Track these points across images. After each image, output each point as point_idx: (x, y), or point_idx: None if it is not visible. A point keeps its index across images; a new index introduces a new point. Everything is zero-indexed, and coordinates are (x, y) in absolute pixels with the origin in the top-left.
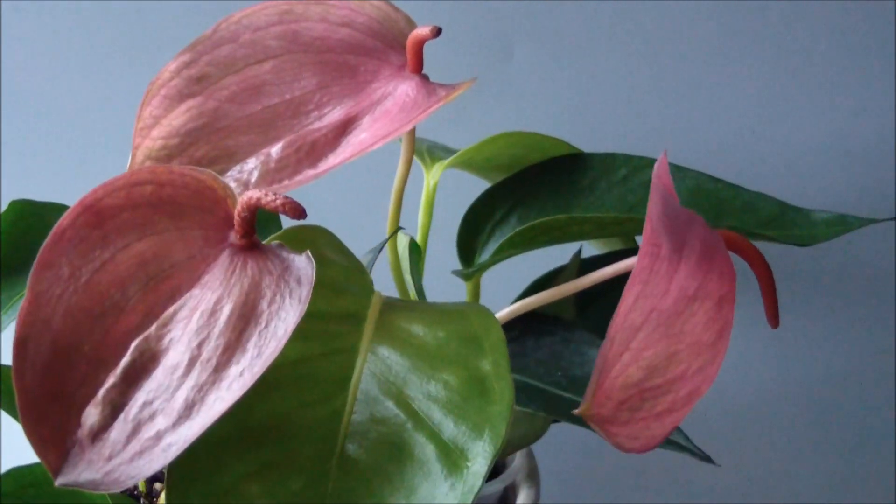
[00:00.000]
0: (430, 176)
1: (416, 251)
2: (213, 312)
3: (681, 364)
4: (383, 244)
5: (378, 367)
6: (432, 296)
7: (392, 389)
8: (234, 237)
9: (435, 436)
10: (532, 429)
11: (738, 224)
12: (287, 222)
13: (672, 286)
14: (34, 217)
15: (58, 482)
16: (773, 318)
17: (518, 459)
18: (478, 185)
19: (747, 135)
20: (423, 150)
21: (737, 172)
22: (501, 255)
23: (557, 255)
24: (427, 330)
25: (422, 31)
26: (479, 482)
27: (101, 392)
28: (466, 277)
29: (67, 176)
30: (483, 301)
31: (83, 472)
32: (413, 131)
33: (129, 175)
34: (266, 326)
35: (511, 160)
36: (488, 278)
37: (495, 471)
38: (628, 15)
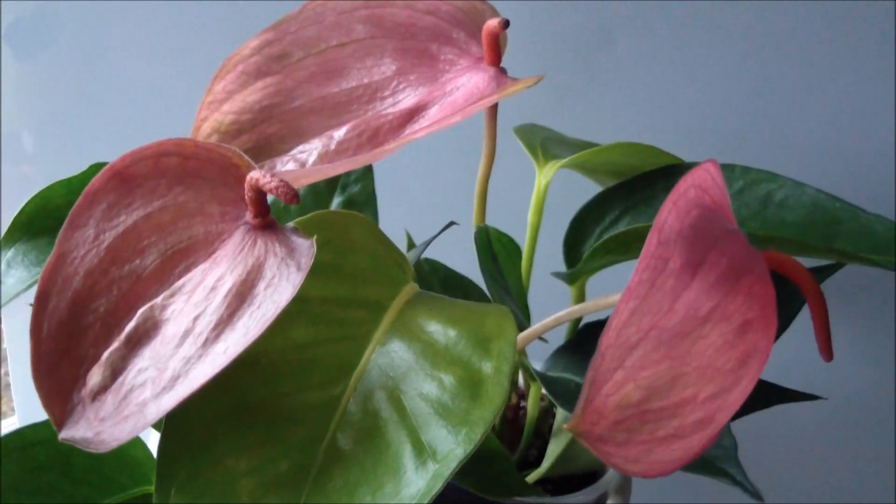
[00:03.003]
0: (543, 175)
1: (496, 247)
2: (214, 288)
3: (687, 388)
4: (433, 238)
5: (384, 359)
6: (536, 300)
7: (389, 383)
8: (248, 216)
9: (413, 433)
10: None
11: (848, 247)
12: (389, 207)
13: (678, 304)
14: None
15: (61, 436)
16: (826, 352)
17: (612, 470)
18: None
19: (859, 138)
20: (537, 145)
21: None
22: (598, 260)
23: None
24: (440, 327)
25: (491, 22)
26: (438, 484)
27: (106, 354)
28: (568, 281)
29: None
30: None
31: (81, 429)
32: (493, 128)
33: (157, 145)
34: (258, 307)
35: (626, 168)
36: (599, 286)
37: (594, 478)
38: (733, 12)
